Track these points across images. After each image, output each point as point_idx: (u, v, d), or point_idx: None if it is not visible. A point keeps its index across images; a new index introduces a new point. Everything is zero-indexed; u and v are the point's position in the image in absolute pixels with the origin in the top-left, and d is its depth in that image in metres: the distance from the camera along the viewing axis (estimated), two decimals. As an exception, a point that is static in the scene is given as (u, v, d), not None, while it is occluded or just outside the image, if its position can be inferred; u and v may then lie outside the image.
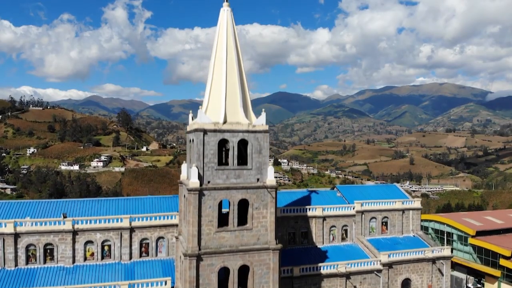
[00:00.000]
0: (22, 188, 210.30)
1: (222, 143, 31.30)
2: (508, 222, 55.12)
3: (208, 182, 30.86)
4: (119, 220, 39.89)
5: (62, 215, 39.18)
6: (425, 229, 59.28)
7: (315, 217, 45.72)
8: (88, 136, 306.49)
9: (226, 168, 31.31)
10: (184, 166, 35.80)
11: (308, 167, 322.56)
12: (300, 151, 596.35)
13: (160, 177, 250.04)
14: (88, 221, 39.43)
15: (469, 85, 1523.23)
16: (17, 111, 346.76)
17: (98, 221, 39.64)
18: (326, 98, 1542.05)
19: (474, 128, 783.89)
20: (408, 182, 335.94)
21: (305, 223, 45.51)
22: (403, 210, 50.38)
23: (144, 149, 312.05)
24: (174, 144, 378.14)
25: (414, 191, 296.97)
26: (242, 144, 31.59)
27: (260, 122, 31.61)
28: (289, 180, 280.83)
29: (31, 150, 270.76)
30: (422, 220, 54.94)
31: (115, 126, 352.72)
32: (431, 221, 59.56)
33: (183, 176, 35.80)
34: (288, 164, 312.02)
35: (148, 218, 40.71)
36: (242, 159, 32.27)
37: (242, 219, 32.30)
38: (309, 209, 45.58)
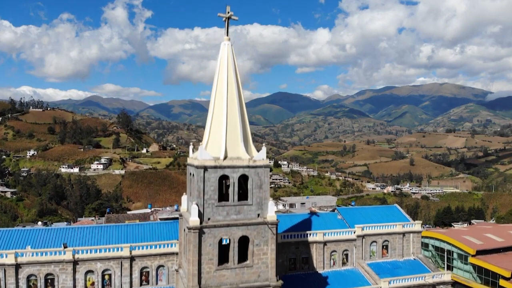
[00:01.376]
0: (22, 192, 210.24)
1: (223, 178, 31.21)
2: (508, 240, 55.04)
3: (208, 219, 30.78)
4: (120, 249, 39.77)
5: (62, 245, 39.12)
6: (425, 245, 59.24)
7: (316, 242, 45.60)
8: (88, 138, 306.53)
9: (226, 204, 31.21)
10: (184, 198, 35.72)
11: (308, 169, 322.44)
12: (300, 152, 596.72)
13: (160, 180, 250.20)
14: (89, 251, 39.37)
15: (470, 85, 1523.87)
16: (17, 112, 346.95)
17: (98, 250, 39.55)
18: (326, 98, 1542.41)
19: (474, 129, 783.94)
20: (408, 183, 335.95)
21: (306, 248, 45.40)
22: (403, 233, 50.30)
23: (144, 151, 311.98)
24: (174, 146, 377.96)
25: (414, 193, 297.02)
26: (243, 178, 31.52)
27: (260, 156, 31.53)
28: (289, 182, 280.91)
29: (31, 152, 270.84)
30: (422, 237, 54.90)
31: (115, 127, 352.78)
32: (431, 238, 59.47)
33: (183, 208, 35.73)
34: (288, 166, 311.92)
35: (149, 247, 40.59)
36: (243, 193, 32.17)
37: (243, 255, 32.20)
38: (310, 234, 45.46)
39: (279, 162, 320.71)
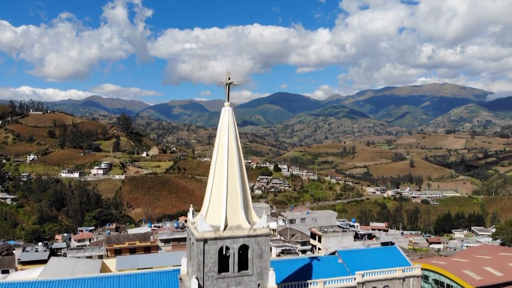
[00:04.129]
0: (22, 198, 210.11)
1: (223, 247, 30.31)
2: (508, 275, 54.59)
3: (209, 292, 29.69)
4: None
5: None
6: (425, 278, 58.91)
7: (317, 292, 44.77)
8: (89, 142, 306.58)
9: (226, 276, 30.27)
10: (184, 261, 34.44)
11: (308, 173, 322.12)
12: (300, 153, 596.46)
13: (160, 185, 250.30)
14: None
15: (471, 86, 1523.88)
16: (17, 115, 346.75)
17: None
18: (326, 99, 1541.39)
19: (474, 129, 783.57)
20: (408, 187, 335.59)
21: (307, 298, 44.50)
22: (403, 278, 49.76)
23: (144, 154, 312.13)
24: (174, 149, 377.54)
25: (414, 197, 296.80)
26: (243, 246, 30.71)
27: (261, 225, 30.63)
28: (289, 187, 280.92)
29: (31, 156, 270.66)
30: (422, 269, 54.55)
31: (115, 130, 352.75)
32: (431, 271, 59.08)
33: (183, 271, 34.61)
34: (288, 170, 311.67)
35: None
36: (243, 261, 31.32)
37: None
38: (311, 284, 44.60)
39: (279, 166, 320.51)
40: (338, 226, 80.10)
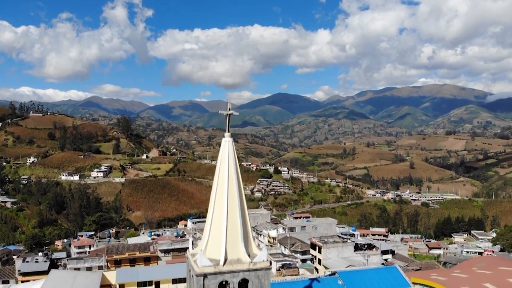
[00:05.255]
0: (22, 201, 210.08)
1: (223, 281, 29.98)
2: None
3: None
4: None
5: None
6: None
7: (317, 317, 44.68)
8: (89, 144, 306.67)
9: None
10: None
11: (308, 176, 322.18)
12: (300, 154, 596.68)
13: (160, 188, 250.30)
14: None
15: (471, 86, 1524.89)
16: (17, 117, 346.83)
17: None
18: (326, 99, 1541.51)
19: (474, 130, 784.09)
20: (408, 190, 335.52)
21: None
22: None
23: (144, 156, 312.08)
24: (174, 150, 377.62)
25: (414, 199, 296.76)
26: (243, 280, 30.40)
27: (261, 258, 30.20)
28: (289, 189, 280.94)
29: (31, 159, 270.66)
30: (422, 285, 54.39)
31: (115, 132, 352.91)
32: (426, 285, 58.69)
33: None
34: (288, 173, 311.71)
35: None
36: None
37: None
38: None
39: (279, 168, 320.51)
40: (339, 236, 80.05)
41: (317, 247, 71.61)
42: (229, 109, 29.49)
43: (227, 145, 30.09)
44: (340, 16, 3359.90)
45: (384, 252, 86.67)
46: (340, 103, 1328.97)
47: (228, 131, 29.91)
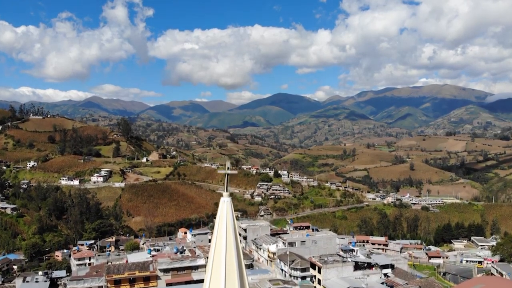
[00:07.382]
0: (22, 207, 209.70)
1: None
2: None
3: None
4: None
5: None
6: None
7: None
8: (89, 147, 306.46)
9: None
10: None
11: (308, 179, 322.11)
12: (301, 155, 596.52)
13: (160, 192, 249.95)
14: None
15: (472, 87, 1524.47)
16: (17, 120, 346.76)
17: None
18: (326, 100, 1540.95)
19: (474, 131, 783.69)
20: (408, 194, 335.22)
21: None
22: None
23: (144, 159, 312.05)
24: (174, 153, 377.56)
25: (414, 203, 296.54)
26: None
27: None
28: (289, 193, 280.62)
29: (31, 163, 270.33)
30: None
31: (115, 135, 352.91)
32: None
33: None
34: (288, 176, 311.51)
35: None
36: None
37: None
38: None
39: (279, 172, 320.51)
40: (338, 254, 79.96)
41: (316, 267, 71.58)
42: (228, 168, 29.44)
43: (225, 205, 29.96)
44: (340, 16, 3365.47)
45: (384, 267, 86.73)
46: (340, 104, 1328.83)
47: (227, 191, 29.85)
